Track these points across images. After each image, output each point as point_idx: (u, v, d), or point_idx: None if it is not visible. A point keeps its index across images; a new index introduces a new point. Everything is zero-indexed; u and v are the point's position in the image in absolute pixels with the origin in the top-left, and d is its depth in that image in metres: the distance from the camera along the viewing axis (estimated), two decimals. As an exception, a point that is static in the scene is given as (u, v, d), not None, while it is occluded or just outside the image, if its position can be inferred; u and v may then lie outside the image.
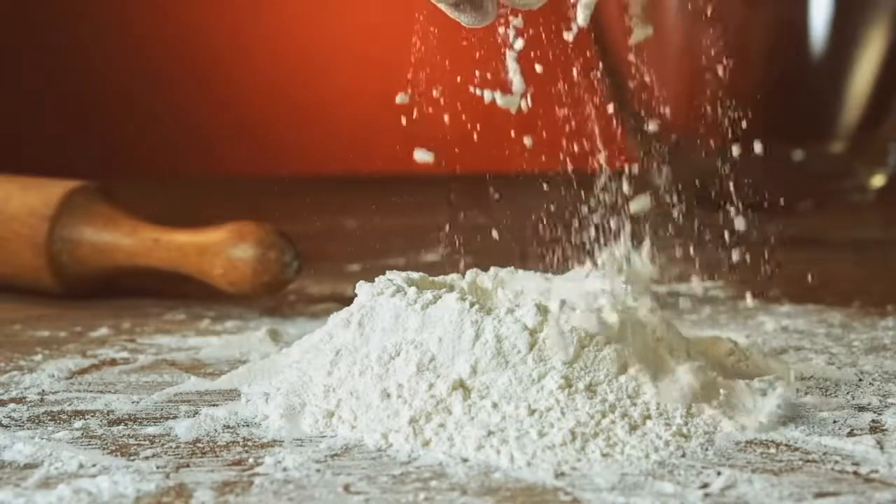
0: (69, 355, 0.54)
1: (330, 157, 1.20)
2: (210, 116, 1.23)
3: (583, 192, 0.50)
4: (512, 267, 0.52)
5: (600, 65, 0.96)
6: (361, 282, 0.48)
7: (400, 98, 0.50)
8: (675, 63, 0.93)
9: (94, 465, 0.40)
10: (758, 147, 0.52)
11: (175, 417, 0.45)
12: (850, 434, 0.43)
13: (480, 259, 0.53)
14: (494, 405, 0.43)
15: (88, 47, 1.23)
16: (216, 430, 0.44)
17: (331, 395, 0.45)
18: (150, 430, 0.44)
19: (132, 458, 0.40)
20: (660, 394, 0.44)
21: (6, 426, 0.44)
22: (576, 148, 0.50)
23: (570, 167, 0.50)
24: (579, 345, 0.44)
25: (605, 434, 0.41)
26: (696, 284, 0.60)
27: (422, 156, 0.50)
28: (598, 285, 0.49)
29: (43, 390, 0.49)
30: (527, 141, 0.51)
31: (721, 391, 0.45)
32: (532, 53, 0.50)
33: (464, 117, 0.51)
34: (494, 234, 0.52)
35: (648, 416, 0.43)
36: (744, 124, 0.53)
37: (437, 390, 0.43)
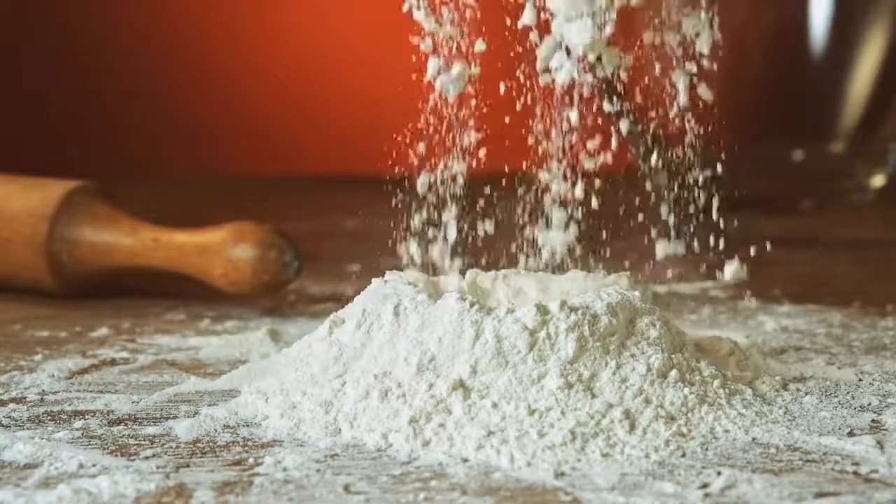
0: (69, 355, 0.54)
1: (330, 157, 1.20)
2: (210, 116, 1.23)
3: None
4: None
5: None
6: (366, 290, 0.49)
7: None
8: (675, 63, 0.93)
9: (94, 465, 0.40)
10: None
11: (175, 417, 0.45)
12: (850, 434, 0.43)
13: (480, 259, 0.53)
14: (494, 405, 0.43)
15: (88, 47, 1.23)
16: (216, 430, 0.43)
17: (331, 394, 0.45)
18: (150, 430, 0.44)
19: (132, 458, 0.41)
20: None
21: (6, 426, 0.44)
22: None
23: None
24: (579, 344, 0.44)
25: (605, 434, 0.41)
26: (671, 275, 0.61)
27: None
28: (601, 284, 0.49)
29: (43, 390, 0.49)
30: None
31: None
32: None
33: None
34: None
35: (648, 415, 0.43)
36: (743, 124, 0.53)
37: (437, 390, 0.43)
